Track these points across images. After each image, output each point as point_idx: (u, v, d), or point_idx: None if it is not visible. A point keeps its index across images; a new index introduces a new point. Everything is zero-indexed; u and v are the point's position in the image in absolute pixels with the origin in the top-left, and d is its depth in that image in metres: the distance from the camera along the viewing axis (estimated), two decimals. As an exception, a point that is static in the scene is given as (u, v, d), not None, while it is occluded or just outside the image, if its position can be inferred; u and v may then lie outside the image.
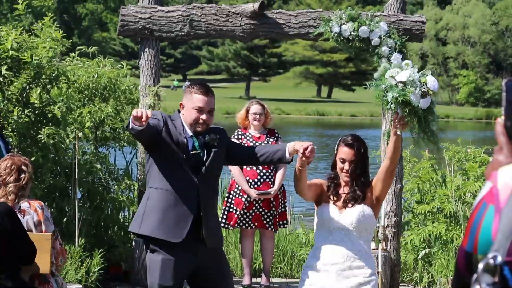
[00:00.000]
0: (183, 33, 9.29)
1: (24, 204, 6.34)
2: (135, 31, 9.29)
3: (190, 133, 5.99)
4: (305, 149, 5.57)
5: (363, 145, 5.94)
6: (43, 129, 9.16)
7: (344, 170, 5.89)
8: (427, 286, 9.52)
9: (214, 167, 6.03)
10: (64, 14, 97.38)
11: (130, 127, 5.58)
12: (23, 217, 6.26)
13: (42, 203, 6.46)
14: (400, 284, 9.56)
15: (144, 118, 5.42)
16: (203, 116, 5.89)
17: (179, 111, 6.11)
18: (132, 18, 9.23)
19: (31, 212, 6.34)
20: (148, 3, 9.36)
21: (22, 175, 6.32)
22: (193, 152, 5.91)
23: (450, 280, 8.92)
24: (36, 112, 9.30)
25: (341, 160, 5.92)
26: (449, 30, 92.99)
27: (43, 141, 9.15)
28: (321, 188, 6.00)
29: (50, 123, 9.27)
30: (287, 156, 5.95)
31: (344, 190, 5.97)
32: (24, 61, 9.29)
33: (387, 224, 9.26)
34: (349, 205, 5.85)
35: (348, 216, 5.81)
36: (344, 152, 5.89)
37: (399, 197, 9.30)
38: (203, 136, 5.98)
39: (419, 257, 9.63)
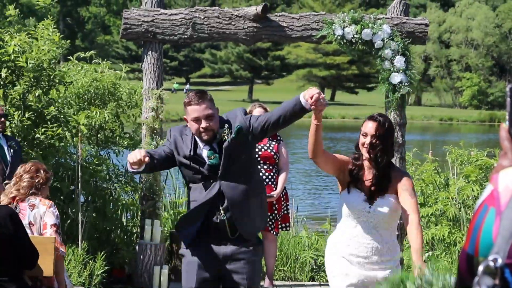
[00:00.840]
0: (186, 36, 9.29)
1: (35, 201, 6.60)
2: (138, 34, 9.30)
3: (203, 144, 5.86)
4: (311, 98, 5.39)
5: (387, 121, 5.73)
6: (38, 129, 9.19)
7: (365, 145, 5.65)
8: (430, 289, 9.51)
9: (235, 161, 5.79)
10: (67, 18, 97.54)
11: (129, 171, 5.58)
12: (32, 211, 6.55)
13: (53, 203, 6.71)
14: (404, 287, 9.54)
15: (141, 164, 5.47)
16: (203, 124, 5.71)
17: None
18: (135, 21, 9.24)
19: (40, 206, 6.58)
20: (151, 6, 9.37)
21: (38, 175, 6.68)
22: (210, 160, 5.77)
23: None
24: (35, 114, 9.33)
25: (363, 134, 5.70)
26: (452, 32, 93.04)
27: (43, 142, 9.20)
28: (345, 165, 5.76)
29: (48, 123, 9.29)
30: (304, 104, 5.54)
31: (367, 176, 5.72)
32: (20, 66, 9.34)
33: (390, 227, 9.26)
34: (377, 197, 5.64)
35: (378, 210, 5.61)
36: (367, 126, 5.70)
37: (402, 199, 9.28)
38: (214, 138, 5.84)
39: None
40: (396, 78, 8.99)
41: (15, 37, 9.51)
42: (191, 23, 9.26)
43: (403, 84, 9.02)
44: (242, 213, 5.81)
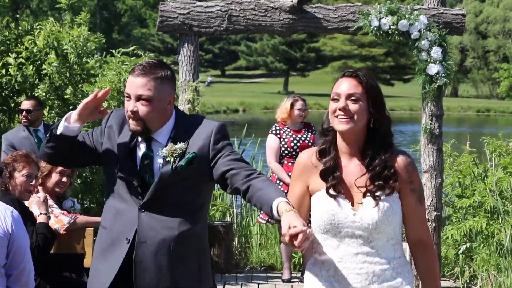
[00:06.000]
0: (221, 28, 9.30)
1: None
2: (174, 27, 9.32)
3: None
4: (292, 237, 3.53)
5: (370, 77, 3.76)
6: None
7: (337, 112, 3.71)
8: (468, 281, 9.46)
9: (171, 193, 4.08)
10: (104, 11, 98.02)
11: (60, 132, 4.11)
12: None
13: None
14: (441, 279, 9.49)
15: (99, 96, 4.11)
16: (129, 106, 4.02)
17: None
18: (171, 13, 9.27)
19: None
20: (187, -1, 9.40)
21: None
22: (142, 162, 4.13)
23: (491, 275, 8.85)
24: (71, 108, 9.51)
25: (335, 98, 3.74)
26: (489, 23, 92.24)
27: None
28: (307, 177, 3.89)
29: None
30: (275, 215, 3.79)
31: (349, 169, 3.78)
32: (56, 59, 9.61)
33: (428, 219, 9.21)
34: (365, 196, 3.76)
35: (365, 215, 3.75)
36: (341, 84, 3.75)
37: (439, 191, 9.24)
38: (164, 144, 4.12)
39: (460, 251, 9.56)
40: (433, 69, 8.94)
41: (45, 27, 9.79)
42: (227, 15, 9.27)
43: (440, 75, 8.96)
44: (153, 265, 4.07)
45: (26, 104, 9.06)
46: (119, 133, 4.16)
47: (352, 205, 3.75)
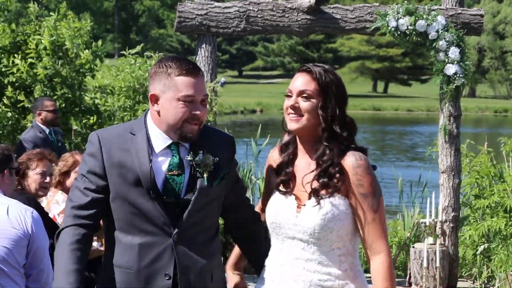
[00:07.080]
0: (239, 29, 9.33)
1: None
2: (192, 27, 9.35)
3: (166, 143, 3.63)
4: None
5: (328, 72, 3.61)
6: (74, 120, 9.49)
7: (289, 110, 3.59)
8: (486, 281, 9.44)
9: (206, 212, 3.66)
10: (122, 12, 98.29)
11: None
12: None
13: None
14: (459, 279, 9.49)
15: None
16: (196, 110, 3.57)
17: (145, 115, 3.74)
18: (189, 14, 9.30)
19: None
20: (205, 0, 9.43)
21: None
22: (170, 175, 3.59)
23: (509, 276, 8.83)
24: (68, 102, 9.66)
25: (288, 93, 3.63)
26: (507, 23, 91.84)
27: (81, 132, 9.49)
28: (270, 172, 3.79)
29: (83, 113, 9.60)
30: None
31: (299, 166, 3.64)
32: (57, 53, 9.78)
33: (445, 219, 9.20)
34: (310, 198, 3.55)
35: (305, 218, 3.52)
36: (295, 81, 3.63)
37: (457, 191, 9.23)
38: (193, 152, 3.64)
39: (478, 252, 9.54)
40: (450, 69, 8.93)
41: (50, 21, 9.94)
42: (244, 16, 9.29)
43: (458, 75, 8.95)
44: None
45: (51, 105, 9.09)
46: (124, 158, 3.59)
47: (298, 206, 3.55)
